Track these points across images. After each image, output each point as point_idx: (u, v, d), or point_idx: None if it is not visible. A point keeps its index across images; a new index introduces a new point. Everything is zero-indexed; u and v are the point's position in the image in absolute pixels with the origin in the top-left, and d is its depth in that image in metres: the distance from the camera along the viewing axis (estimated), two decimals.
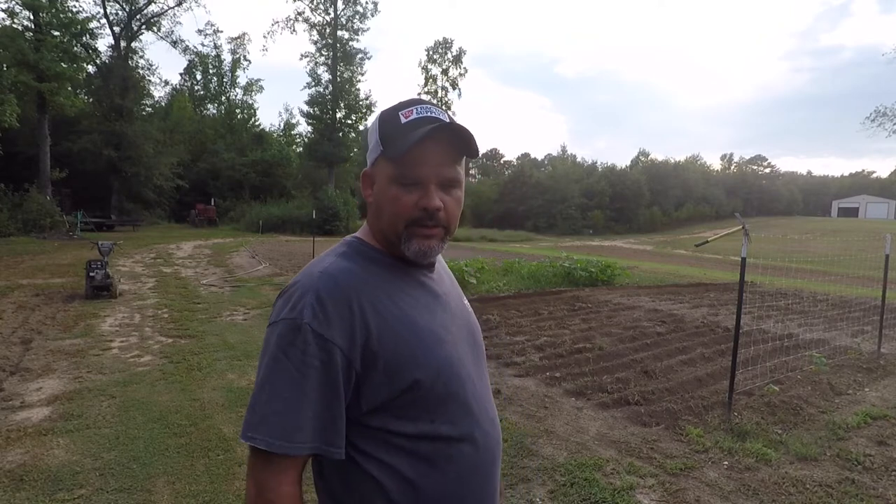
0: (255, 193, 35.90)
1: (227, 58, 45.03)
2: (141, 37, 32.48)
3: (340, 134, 37.05)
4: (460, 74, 43.79)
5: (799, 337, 6.65)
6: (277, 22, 48.55)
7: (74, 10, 25.24)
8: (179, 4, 32.26)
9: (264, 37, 61.77)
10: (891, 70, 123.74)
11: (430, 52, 43.77)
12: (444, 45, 43.57)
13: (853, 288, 10.59)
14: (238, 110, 45.66)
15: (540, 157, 76.34)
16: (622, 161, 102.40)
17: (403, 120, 0.94)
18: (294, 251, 17.33)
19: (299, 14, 37.01)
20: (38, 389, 4.27)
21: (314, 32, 36.88)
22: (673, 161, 65.04)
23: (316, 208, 24.47)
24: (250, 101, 46.90)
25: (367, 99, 38.13)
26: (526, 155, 74.91)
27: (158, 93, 41.68)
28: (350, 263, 0.95)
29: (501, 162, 77.69)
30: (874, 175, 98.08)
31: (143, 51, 40.75)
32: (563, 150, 76.04)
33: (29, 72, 21.16)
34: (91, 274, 8.03)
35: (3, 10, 22.38)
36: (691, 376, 4.93)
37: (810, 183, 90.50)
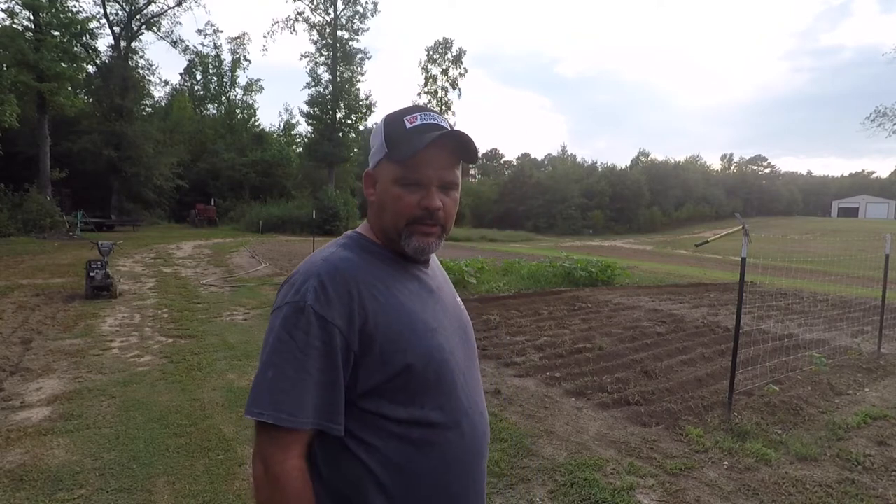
0: (255, 193, 35.90)
1: (227, 58, 45.05)
2: (141, 37, 32.50)
3: (340, 134, 37.05)
4: (460, 74, 43.86)
5: (799, 337, 6.65)
6: (277, 22, 48.57)
7: (74, 10, 25.25)
8: (179, 4, 32.26)
9: (264, 37, 61.93)
10: (891, 70, 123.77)
11: (430, 53, 43.86)
12: (444, 45, 43.63)
13: (853, 288, 10.59)
14: (238, 110, 45.60)
15: (540, 157, 76.60)
16: (622, 161, 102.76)
17: (408, 125, 1.00)
18: (294, 251, 17.31)
19: (299, 14, 37.04)
20: (38, 389, 4.27)
21: (314, 32, 36.92)
22: (673, 161, 65.28)
23: (316, 208, 24.51)
24: (250, 101, 46.91)
25: (367, 99, 38.15)
26: (526, 155, 75.00)
27: (158, 93, 41.74)
28: (350, 254, 1.01)
29: (501, 162, 77.79)
30: (874, 175, 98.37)
31: (143, 51, 40.71)
32: (563, 150, 76.23)
33: (29, 72, 21.15)
34: (91, 274, 8.03)
35: (3, 10, 22.42)
36: (691, 376, 4.93)
37: (810, 183, 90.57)
